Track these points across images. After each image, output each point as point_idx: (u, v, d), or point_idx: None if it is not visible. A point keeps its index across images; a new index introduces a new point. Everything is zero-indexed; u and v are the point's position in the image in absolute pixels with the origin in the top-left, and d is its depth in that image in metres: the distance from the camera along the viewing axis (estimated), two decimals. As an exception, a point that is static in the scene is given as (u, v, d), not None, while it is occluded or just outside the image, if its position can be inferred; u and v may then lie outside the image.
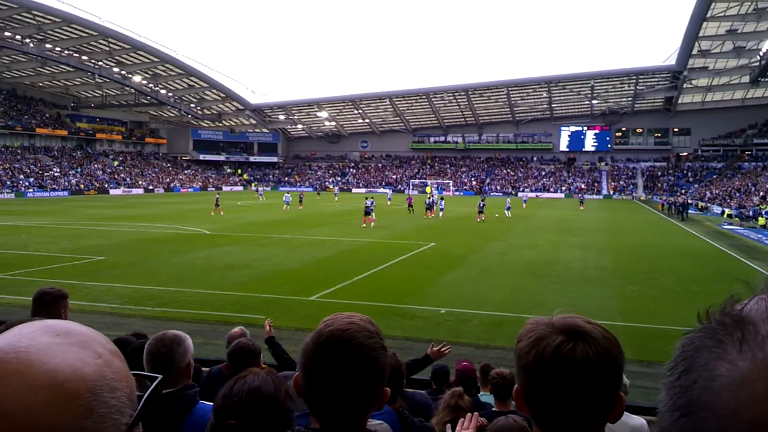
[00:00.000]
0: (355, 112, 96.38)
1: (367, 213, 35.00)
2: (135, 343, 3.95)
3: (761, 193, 55.79)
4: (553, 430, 1.19)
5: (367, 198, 38.90)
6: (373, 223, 34.90)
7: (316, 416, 1.49)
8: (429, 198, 44.77)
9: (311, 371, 1.45)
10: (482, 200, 42.97)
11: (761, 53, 58.33)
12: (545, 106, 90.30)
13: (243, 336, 5.25)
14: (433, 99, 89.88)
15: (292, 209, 46.48)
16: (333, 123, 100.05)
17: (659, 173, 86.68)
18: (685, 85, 75.24)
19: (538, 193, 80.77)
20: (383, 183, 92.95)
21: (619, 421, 4.11)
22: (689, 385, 0.50)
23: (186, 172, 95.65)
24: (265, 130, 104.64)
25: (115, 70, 75.69)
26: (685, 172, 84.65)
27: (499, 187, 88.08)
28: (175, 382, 2.84)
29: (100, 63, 73.68)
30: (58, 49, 68.42)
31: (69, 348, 0.67)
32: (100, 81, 78.28)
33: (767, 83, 71.34)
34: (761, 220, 41.23)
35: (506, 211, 44.24)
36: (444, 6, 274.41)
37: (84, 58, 71.53)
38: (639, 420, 4.17)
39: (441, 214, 43.18)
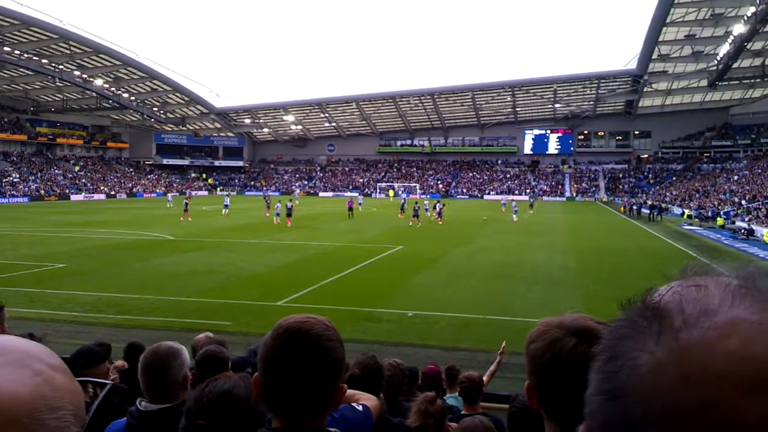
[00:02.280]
0: (322, 115, 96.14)
1: (289, 215, 37.89)
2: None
3: (720, 195, 57.18)
4: (566, 422, 1.25)
5: (289, 201, 41.94)
6: (290, 224, 37.01)
7: (275, 414, 1.53)
8: (403, 200, 43.66)
9: (270, 364, 1.51)
10: (416, 204, 42.00)
11: (718, 58, 59.79)
12: (510, 109, 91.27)
13: (210, 341, 5.17)
14: (399, 103, 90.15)
15: (260, 214, 46.09)
16: (299, 127, 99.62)
17: (620, 175, 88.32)
18: (645, 89, 76.79)
19: (503, 196, 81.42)
20: (350, 187, 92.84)
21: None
22: (614, 372, 0.54)
23: (149, 176, 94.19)
24: (230, 134, 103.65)
25: (76, 73, 74.12)
26: (645, 173, 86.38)
27: (465, 190, 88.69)
28: (171, 397, 2.68)
29: (60, 66, 72.09)
30: (17, 52, 66.71)
31: (3, 369, 0.63)
32: (60, 85, 76.55)
33: (725, 87, 73.18)
34: (720, 221, 42.25)
35: (513, 215, 43.60)
36: (409, 11, 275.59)
37: (44, 61, 69.90)
38: None
39: (432, 216, 43.09)
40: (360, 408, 2.11)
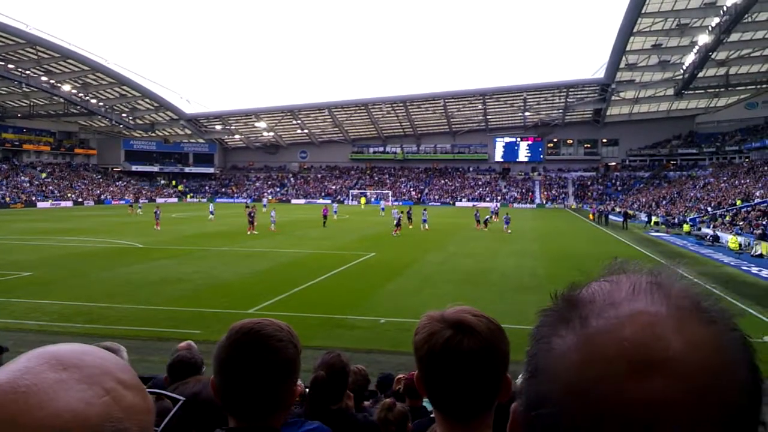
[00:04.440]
0: (294, 122, 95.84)
1: (251, 223, 37.38)
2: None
3: (687, 203, 58.26)
4: (449, 412, 1.32)
5: (247, 206, 42.01)
6: (255, 232, 36.61)
7: (230, 414, 1.57)
8: (399, 212, 40.59)
9: (222, 364, 1.55)
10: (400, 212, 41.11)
11: (684, 67, 61.07)
12: (480, 117, 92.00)
13: (189, 350, 5.18)
14: (371, 110, 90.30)
15: (232, 222, 45.78)
16: (271, 133, 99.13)
17: (589, 182, 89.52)
18: (613, 98, 77.96)
19: (474, 203, 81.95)
20: (323, 194, 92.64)
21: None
22: (534, 354, 0.62)
23: (117, 183, 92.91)
24: (200, 141, 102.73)
25: (44, 79, 72.88)
26: (613, 181, 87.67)
27: (437, 197, 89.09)
28: None
29: (27, 72, 70.82)
30: (-19, 57, 65.50)
31: (74, 386, 0.63)
32: (27, 90, 75.17)
33: (690, 96, 74.72)
34: (686, 227, 43.04)
35: (505, 225, 41.23)
36: (380, 20, 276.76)
37: (10, 66, 68.58)
38: None
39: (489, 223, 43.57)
40: None
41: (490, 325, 1.35)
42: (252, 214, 38.10)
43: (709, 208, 50.75)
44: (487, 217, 43.83)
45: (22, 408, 0.58)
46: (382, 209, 58.48)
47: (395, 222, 38.11)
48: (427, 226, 41.10)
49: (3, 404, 0.58)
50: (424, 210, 44.54)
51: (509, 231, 39.51)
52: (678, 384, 0.51)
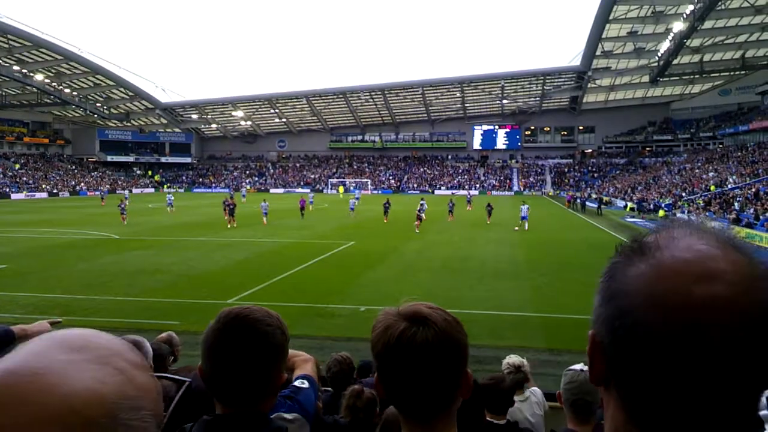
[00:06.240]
0: (272, 111, 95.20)
1: (231, 213, 35.38)
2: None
3: (661, 188, 58.96)
4: (407, 410, 1.27)
5: (232, 198, 39.84)
6: (233, 224, 34.76)
7: (218, 400, 1.57)
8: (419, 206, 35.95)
9: (211, 350, 1.56)
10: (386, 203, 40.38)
11: (659, 54, 61.64)
12: (459, 105, 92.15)
13: (170, 340, 5.17)
14: (350, 98, 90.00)
15: (208, 211, 45.37)
16: (249, 122, 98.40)
17: (566, 169, 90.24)
18: (589, 85, 78.59)
19: (453, 191, 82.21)
20: (302, 183, 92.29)
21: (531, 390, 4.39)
22: (610, 284, 0.79)
23: (93, 174, 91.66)
24: (177, 130, 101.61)
25: (16, 68, 71.47)
26: (590, 168, 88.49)
27: (416, 185, 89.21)
28: None
29: (-2, 61, 69.57)
30: (-51, 45, 64.06)
31: (86, 366, 0.64)
32: (-2, 80, 73.89)
33: (665, 83, 75.52)
34: (661, 212, 43.59)
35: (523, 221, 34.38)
36: (358, 7, 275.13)
37: (-20, 55, 67.33)
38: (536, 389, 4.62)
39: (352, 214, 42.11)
40: (306, 385, 2.15)
41: (446, 317, 1.32)
42: (231, 206, 35.92)
43: (684, 194, 51.42)
44: (491, 207, 40.34)
45: (40, 388, 0.59)
46: (355, 201, 51.30)
47: (417, 215, 34.56)
48: (424, 216, 37.42)
49: (21, 385, 0.59)
50: (422, 200, 39.08)
51: (516, 228, 33.80)
52: (728, 287, 0.70)
